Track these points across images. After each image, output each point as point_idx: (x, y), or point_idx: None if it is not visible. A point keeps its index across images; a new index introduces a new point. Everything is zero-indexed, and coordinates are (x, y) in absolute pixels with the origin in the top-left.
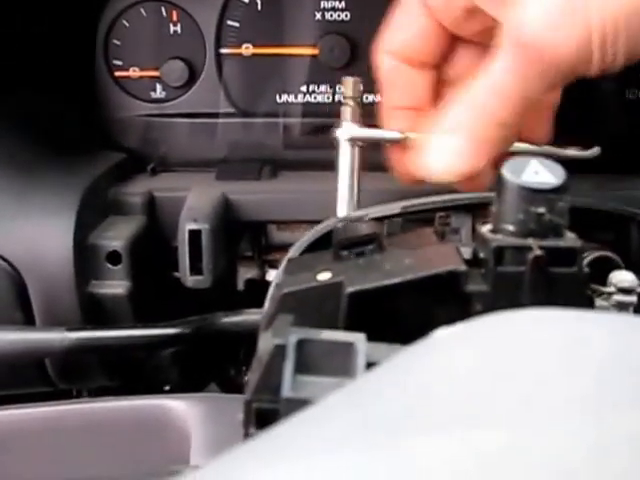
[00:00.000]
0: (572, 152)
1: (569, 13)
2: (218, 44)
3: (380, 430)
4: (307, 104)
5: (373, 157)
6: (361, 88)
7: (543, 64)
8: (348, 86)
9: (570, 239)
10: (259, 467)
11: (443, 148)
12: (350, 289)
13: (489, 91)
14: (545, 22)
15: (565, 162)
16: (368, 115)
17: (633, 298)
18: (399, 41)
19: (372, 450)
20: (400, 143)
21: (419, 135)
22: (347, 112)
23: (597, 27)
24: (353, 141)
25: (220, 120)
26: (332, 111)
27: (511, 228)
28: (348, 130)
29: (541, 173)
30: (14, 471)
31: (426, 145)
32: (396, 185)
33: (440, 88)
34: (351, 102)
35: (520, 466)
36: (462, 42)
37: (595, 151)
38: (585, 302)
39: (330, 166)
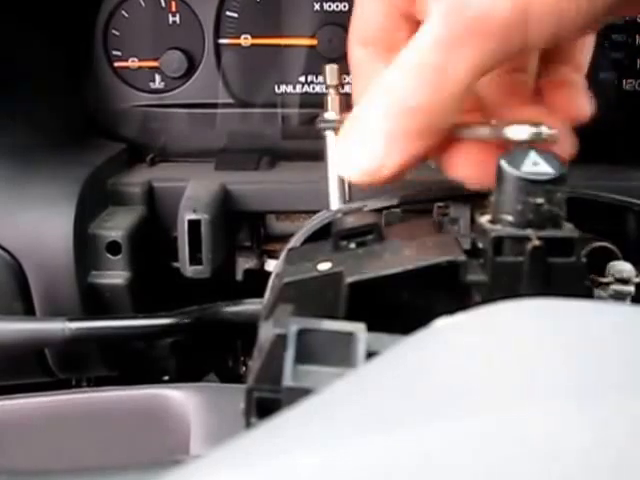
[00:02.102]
0: (528, 132)
1: None
2: (217, 35)
3: (382, 419)
4: (305, 94)
5: None
6: (340, 75)
7: (478, 34)
8: (328, 74)
9: (568, 229)
10: (263, 456)
11: (351, 144)
12: (350, 279)
13: (406, 70)
14: None
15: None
16: None
17: (631, 288)
18: (362, 30)
19: (374, 439)
20: None
21: None
22: (330, 100)
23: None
24: (337, 130)
25: (219, 110)
26: None
27: (510, 218)
28: (331, 119)
29: (540, 164)
30: (14, 461)
31: (340, 140)
32: None
33: None
34: (332, 90)
35: (520, 452)
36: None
37: (555, 133)
38: (583, 292)
39: None
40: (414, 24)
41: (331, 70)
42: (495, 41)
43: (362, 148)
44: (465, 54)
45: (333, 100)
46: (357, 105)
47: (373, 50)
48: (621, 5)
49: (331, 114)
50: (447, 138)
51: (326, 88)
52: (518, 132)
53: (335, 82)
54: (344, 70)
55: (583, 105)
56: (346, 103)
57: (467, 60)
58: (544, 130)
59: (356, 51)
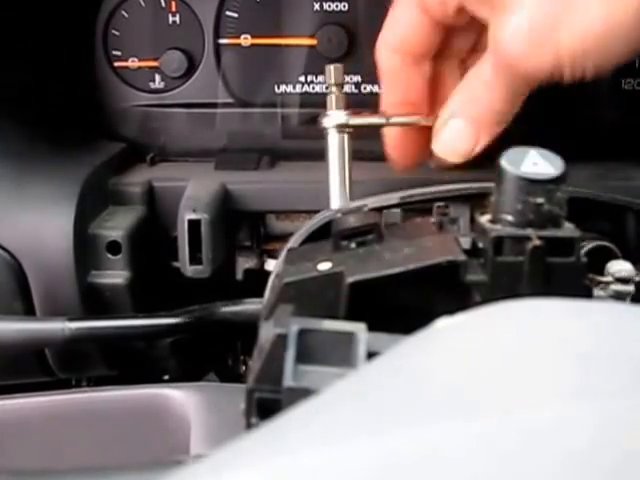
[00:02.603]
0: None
1: (541, 39)
2: (217, 35)
3: (382, 419)
4: (305, 94)
5: (369, 147)
6: (343, 74)
7: (517, 76)
8: (331, 74)
9: (568, 229)
10: (264, 457)
11: (449, 131)
12: (350, 279)
13: (480, 85)
14: (520, 42)
15: (562, 152)
16: (368, 105)
17: (630, 287)
18: (396, 37)
19: (375, 439)
20: (398, 132)
21: (408, 120)
22: (332, 100)
23: (566, 52)
24: (341, 128)
25: (219, 110)
26: None
27: (510, 218)
28: (334, 117)
29: (540, 164)
30: (14, 460)
31: (434, 129)
32: (393, 175)
33: (436, 79)
34: (335, 89)
35: (521, 452)
36: (455, 30)
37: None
38: (583, 291)
39: None
40: (444, 32)
41: (335, 70)
42: (534, 82)
43: (462, 136)
44: (514, 92)
45: (337, 99)
46: (393, 107)
47: (404, 57)
48: None
49: (334, 113)
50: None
51: (328, 87)
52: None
53: (338, 81)
54: (345, 70)
55: None
56: (346, 103)
57: (514, 95)
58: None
59: (387, 57)
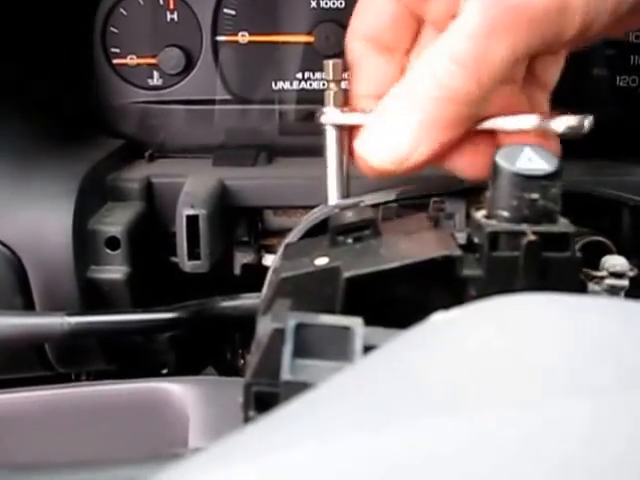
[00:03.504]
0: (560, 124)
1: None
2: (214, 32)
3: (379, 413)
4: (302, 91)
5: None
6: (342, 70)
7: (517, 21)
8: (329, 69)
9: (563, 224)
10: (262, 450)
11: (388, 131)
12: (347, 274)
13: (448, 60)
14: None
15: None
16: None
17: (625, 282)
18: (367, 27)
19: (371, 433)
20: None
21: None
22: (330, 96)
23: None
24: (338, 125)
25: (217, 107)
26: None
27: (505, 214)
28: (332, 114)
29: (535, 160)
30: (14, 454)
31: (372, 128)
32: None
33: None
34: (333, 85)
35: (518, 445)
36: (429, 26)
37: (584, 125)
38: (578, 286)
39: None
40: (419, 25)
41: (333, 65)
42: (533, 29)
43: (391, 137)
44: (503, 42)
45: (335, 95)
46: (360, 100)
47: (374, 46)
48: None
49: (331, 109)
50: (468, 131)
51: (326, 83)
52: (549, 124)
53: (337, 77)
54: (344, 66)
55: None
56: (344, 99)
57: (505, 48)
58: (571, 125)
59: (356, 45)
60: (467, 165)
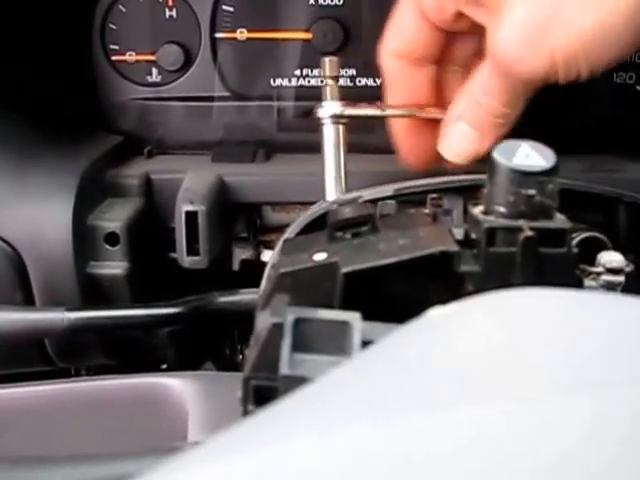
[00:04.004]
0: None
1: (534, 42)
2: (213, 29)
3: (376, 407)
4: (300, 88)
5: (364, 139)
6: (338, 67)
7: (513, 79)
8: (326, 66)
9: (560, 220)
10: (260, 443)
11: (454, 134)
12: (345, 269)
13: (480, 89)
14: (514, 45)
15: (554, 145)
16: (363, 98)
17: (621, 278)
18: (398, 42)
19: (369, 426)
20: (405, 126)
21: (405, 112)
22: (327, 91)
23: (560, 54)
24: (336, 119)
25: (215, 103)
26: None
27: (502, 210)
28: (330, 109)
29: (531, 156)
30: (14, 448)
31: (441, 131)
32: (387, 167)
33: (441, 83)
34: (330, 81)
35: (516, 440)
36: (457, 36)
37: None
38: (574, 282)
39: None
40: (445, 36)
41: (330, 62)
42: (533, 87)
43: (467, 139)
44: (512, 93)
45: (332, 91)
46: (393, 109)
47: (406, 61)
48: None
49: (329, 103)
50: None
51: (324, 80)
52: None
53: (334, 74)
54: (340, 63)
55: None
56: (341, 95)
57: (514, 96)
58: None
59: (390, 62)
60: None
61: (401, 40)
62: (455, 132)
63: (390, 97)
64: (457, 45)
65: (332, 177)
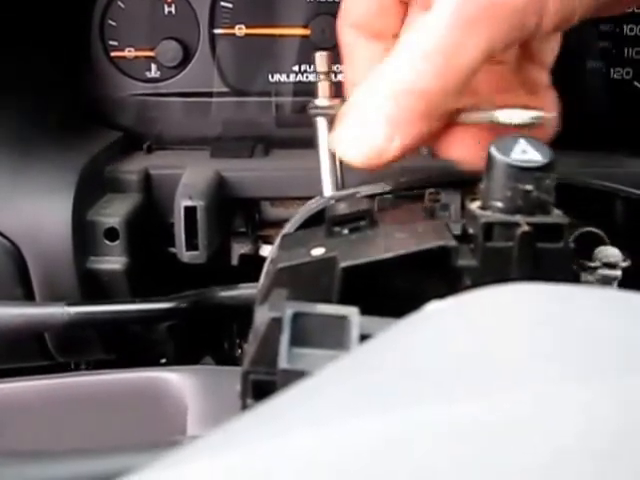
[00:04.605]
0: (522, 117)
1: None
2: (212, 25)
3: (374, 400)
4: (299, 83)
5: None
6: (331, 62)
7: (493, 18)
8: (319, 61)
9: (557, 215)
10: (259, 437)
11: (354, 127)
12: (343, 264)
13: (413, 54)
14: None
15: (551, 140)
16: None
17: (618, 272)
18: (356, 14)
19: (366, 420)
20: None
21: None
22: (320, 87)
23: None
24: (329, 116)
25: (214, 99)
26: None
27: (499, 205)
28: (322, 105)
29: (529, 152)
30: (14, 442)
31: (337, 121)
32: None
33: None
34: (323, 77)
35: (510, 435)
36: (415, 9)
37: (553, 115)
38: (571, 276)
39: None
40: (404, 8)
41: (321, 57)
42: (509, 25)
43: (365, 132)
44: (477, 38)
45: (324, 86)
46: (353, 88)
47: (364, 34)
48: None
49: (322, 100)
50: (445, 122)
51: (317, 75)
52: (516, 116)
53: (325, 69)
54: (336, 58)
55: (549, 103)
56: (337, 91)
57: (478, 45)
58: (540, 114)
59: (347, 34)
60: (459, 152)
61: (360, 10)
62: (355, 122)
63: (348, 73)
64: (409, 20)
65: (328, 173)
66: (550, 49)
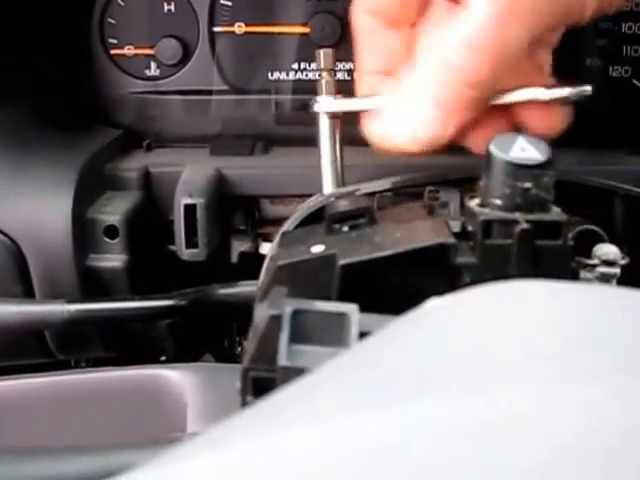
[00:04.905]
0: (561, 92)
1: None
2: (211, 23)
3: (373, 397)
4: (298, 81)
5: (361, 132)
6: (333, 59)
7: (534, 7)
8: (321, 58)
9: (555, 213)
10: (259, 433)
11: (407, 114)
12: (343, 261)
13: (460, 46)
14: None
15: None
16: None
17: (616, 270)
18: (375, 0)
19: (365, 416)
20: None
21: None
22: (323, 85)
23: None
24: (331, 113)
25: (213, 97)
26: None
27: (498, 202)
28: (325, 103)
29: (528, 149)
30: (14, 440)
31: (389, 111)
32: (384, 160)
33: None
34: (326, 74)
35: (509, 431)
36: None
37: (587, 90)
38: (570, 274)
39: None
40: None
41: (325, 54)
42: (550, 12)
43: (409, 121)
44: (519, 29)
45: (327, 84)
46: (368, 75)
47: (381, 20)
48: None
49: (325, 97)
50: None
51: (319, 72)
52: (557, 92)
53: (328, 66)
54: (336, 55)
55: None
56: (337, 88)
57: (520, 34)
58: (580, 89)
59: (363, 19)
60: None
61: None
62: (411, 110)
63: (362, 60)
64: (436, 7)
65: (329, 170)
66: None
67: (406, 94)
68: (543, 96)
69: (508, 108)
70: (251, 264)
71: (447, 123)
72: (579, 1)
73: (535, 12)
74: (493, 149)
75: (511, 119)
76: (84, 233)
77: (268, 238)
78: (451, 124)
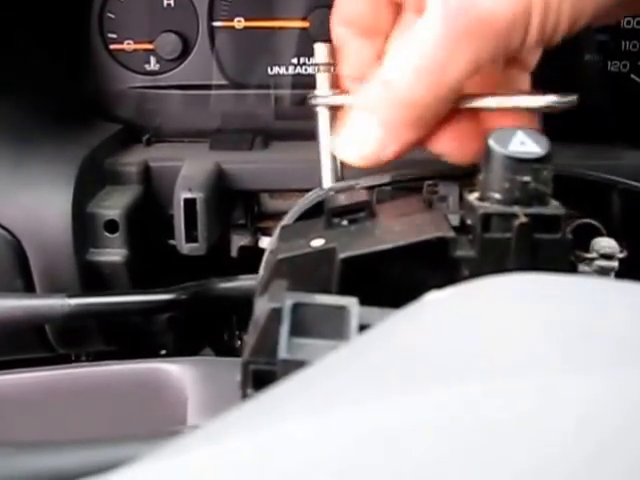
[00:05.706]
0: (545, 100)
1: None
2: (211, 17)
3: (373, 389)
4: (298, 76)
5: None
6: (331, 53)
7: (481, 33)
8: (319, 52)
9: (554, 207)
10: (259, 426)
11: (353, 129)
12: (342, 255)
13: (404, 66)
14: None
15: (549, 132)
16: None
17: (614, 263)
18: (349, 11)
19: (365, 408)
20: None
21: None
22: (321, 79)
23: None
24: (330, 107)
25: (213, 92)
26: None
27: (497, 196)
28: (322, 96)
29: (526, 143)
30: (15, 434)
31: (341, 123)
32: None
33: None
34: (322, 68)
35: (508, 423)
36: (407, 10)
37: (573, 99)
38: (568, 267)
39: None
40: (396, 8)
41: (322, 48)
42: (496, 41)
43: (364, 135)
44: (464, 53)
45: (324, 77)
46: (349, 80)
47: (355, 30)
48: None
49: (322, 92)
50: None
51: (317, 66)
52: (535, 101)
53: (325, 60)
54: (332, 49)
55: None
56: (335, 82)
57: (465, 59)
58: (562, 99)
59: (339, 30)
60: (452, 148)
61: (352, 8)
62: (357, 125)
63: (341, 67)
64: (404, 21)
65: (328, 165)
66: (533, 55)
67: (355, 110)
68: (527, 104)
69: (476, 116)
70: (251, 258)
71: (395, 141)
72: (522, 30)
73: (481, 41)
74: (492, 143)
75: (481, 125)
76: (84, 227)
77: (268, 232)
78: (399, 141)
